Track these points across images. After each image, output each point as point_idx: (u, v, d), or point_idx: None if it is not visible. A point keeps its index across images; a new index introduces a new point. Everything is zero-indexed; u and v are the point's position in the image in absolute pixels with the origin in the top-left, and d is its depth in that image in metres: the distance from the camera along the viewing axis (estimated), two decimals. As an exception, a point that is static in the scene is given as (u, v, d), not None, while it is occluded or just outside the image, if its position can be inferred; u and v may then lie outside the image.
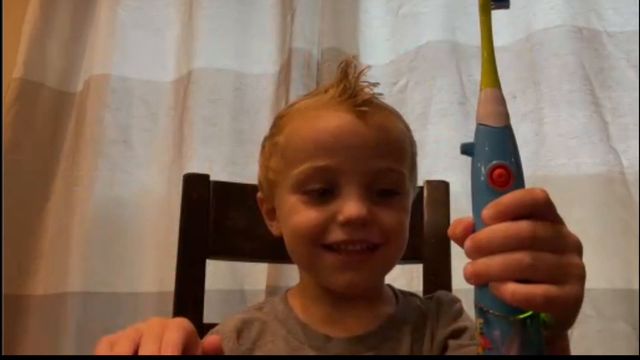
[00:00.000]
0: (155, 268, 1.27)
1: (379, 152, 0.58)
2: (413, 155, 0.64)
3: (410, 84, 1.26)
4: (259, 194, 0.68)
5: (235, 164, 1.31)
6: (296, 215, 0.58)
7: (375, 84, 0.61)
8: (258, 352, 0.61)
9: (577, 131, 1.11)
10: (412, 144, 0.64)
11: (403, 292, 0.68)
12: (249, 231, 0.86)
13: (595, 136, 1.10)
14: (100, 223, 1.31)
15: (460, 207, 1.12)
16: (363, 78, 0.61)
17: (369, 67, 0.62)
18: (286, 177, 0.60)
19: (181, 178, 0.88)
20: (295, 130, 0.60)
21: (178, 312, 0.81)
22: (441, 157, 1.15)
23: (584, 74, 1.14)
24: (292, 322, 0.62)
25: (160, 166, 1.36)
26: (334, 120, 0.58)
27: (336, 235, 0.57)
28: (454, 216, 0.91)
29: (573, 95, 1.13)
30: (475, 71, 1.24)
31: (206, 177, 0.87)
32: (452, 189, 0.93)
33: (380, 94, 0.62)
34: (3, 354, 1.28)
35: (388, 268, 0.63)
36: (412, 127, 0.66)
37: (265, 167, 0.65)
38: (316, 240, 0.58)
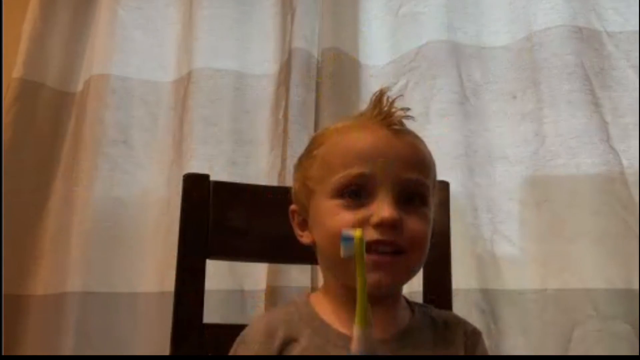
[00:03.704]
0: (155, 268, 1.27)
1: (410, 165, 0.65)
2: (435, 176, 0.70)
3: (410, 84, 1.26)
4: (292, 207, 0.73)
5: (235, 164, 1.31)
6: (333, 217, 0.64)
7: (406, 109, 0.68)
8: (285, 354, 0.64)
9: (577, 131, 1.11)
10: (434, 166, 0.71)
11: (416, 303, 0.71)
12: (249, 231, 0.86)
13: (595, 136, 1.10)
14: (100, 223, 1.31)
15: (460, 207, 1.13)
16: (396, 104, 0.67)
17: (401, 95, 0.70)
18: (325, 184, 0.65)
19: (181, 178, 0.88)
20: (335, 143, 0.67)
21: (178, 312, 0.81)
22: (441, 157, 1.14)
23: (584, 74, 1.14)
24: (317, 323, 0.65)
25: (160, 166, 1.36)
26: (371, 135, 0.65)
27: (369, 235, 0.61)
28: (454, 216, 0.91)
29: (573, 95, 1.13)
30: (475, 71, 1.24)
31: (206, 177, 0.87)
32: (452, 189, 0.93)
33: (412, 117, 0.69)
34: (3, 354, 1.28)
35: (411, 274, 0.67)
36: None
37: (302, 178, 0.70)
38: None
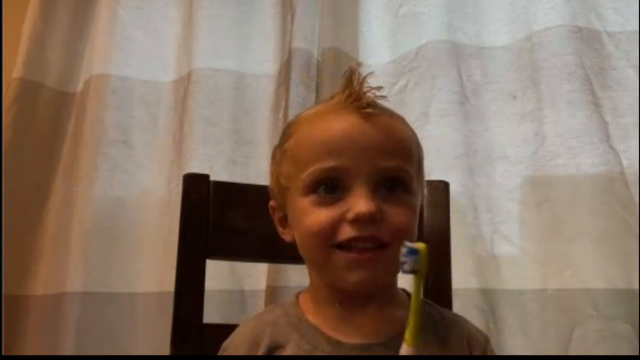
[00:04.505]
0: (155, 268, 1.27)
1: (386, 151, 0.60)
2: (420, 158, 0.65)
3: (410, 84, 1.26)
4: (271, 203, 0.69)
5: (235, 164, 1.31)
6: (307, 216, 0.60)
7: (379, 88, 0.63)
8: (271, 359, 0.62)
9: (577, 131, 1.11)
10: (418, 147, 0.66)
11: None
12: (249, 231, 0.86)
13: (595, 136, 1.10)
14: (100, 223, 1.31)
15: (460, 207, 1.13)
16: (367, 83, 0.62)
17: (372, 73, 0.63)
18: (296, 181, 0.61)
19: (181, 178, 0.88)
20: (303, 135, 0.62)
21: (178, 312, 0.81)
22: (441, 157, 1.15)
23: (584, 74, 1.14)
24: (304, 326, 0.63)
25: (160, 166, 1.36)
26: (340, 123, 0.60)
27: (346, 232, 0.58)
28: (454, 216, 0.91)
29: (573, 95, 1.13)
30: (475, 71, 1.24)
31: (206, 177, 0.87)
32: (452, 189, 0.93)
33: (384, 97, 0.63)
34: (3, 354, 1.28)
35: (397, 268, 0.62)
36: (412, 127, 0.67)
37: (276, 174, 0.66)
38: (327, 239, 0.59)
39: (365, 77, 0.61)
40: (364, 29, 1.34)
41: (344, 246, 0.58)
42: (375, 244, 0.58)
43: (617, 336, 1.01)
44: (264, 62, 1.38)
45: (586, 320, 1.03)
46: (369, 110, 0.60)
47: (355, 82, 0.61)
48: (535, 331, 1.07)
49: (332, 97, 0.63)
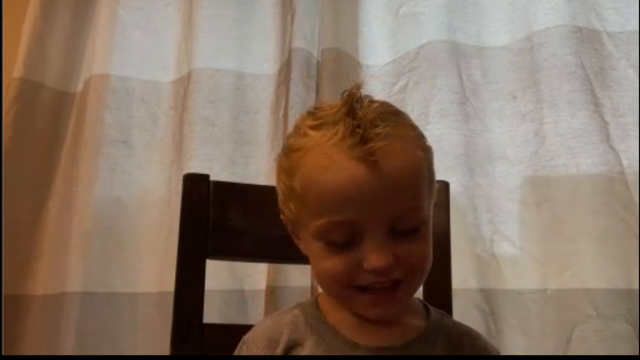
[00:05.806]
0: (155, 268, 1.27)
1: (396, 196, 0.58)
2: (430, 181, 0.63)
3: (410, 84, 1.26)
4: (282, 217, 0.68)
5: (235, 164, 1.31)
6: (323, 261, 0.60)
7: (395, 113, 0.62)
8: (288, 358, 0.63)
9: (577, 131, 1.11)
10: (427, 169, 0.62)
11: (434, 309, 0.69)
12: (249, 231, 0.86)
13: (595, 136, 1.10)
14: (100, 223, 1.31)
15: (460, 207, 1.13)
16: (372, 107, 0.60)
17: (384, 103, 0.62)
18: (307, 222, 0.61)
19: (181, 178, 0.88)
20: (310, 180, 0.59)
21: (178, 312, 0.81)
22: (441, 157, 1.15)
23: (584, 74, 1.14)
24: (323, 327, 0.63)
25: (160, 166, 1.36)
26: (346, 172, 0.57)
27: (364, 279, 0.59)
28: (454, 216, 0.91)
29: (573, 95, 1.13)
30: (475, 71, 1.24)
31: (206, 177, 0.87)
32: (452, 189, 0.93)
33: (397, 114, 0.62)
34: (3, 354, 1.28)
35: (414, 294, 0.65)
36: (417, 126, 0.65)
37: (285, 201, 0.64)
38: (345, 283, 0.60)
39: (370, 110, 0.59)
40: (364, 29, 1.34)
41: (361, 287, 0.60)
42: (391, 282, 0.59)
43: (617, 336, 1.01)
44: (264, 62, 1.38)
45: (586, 320, 1.03)
46: (376, 158, 0.56)
47: (359, 112, 0.58)
48: (535, 331, 1.07)
49: (334, 124, 0.58)
